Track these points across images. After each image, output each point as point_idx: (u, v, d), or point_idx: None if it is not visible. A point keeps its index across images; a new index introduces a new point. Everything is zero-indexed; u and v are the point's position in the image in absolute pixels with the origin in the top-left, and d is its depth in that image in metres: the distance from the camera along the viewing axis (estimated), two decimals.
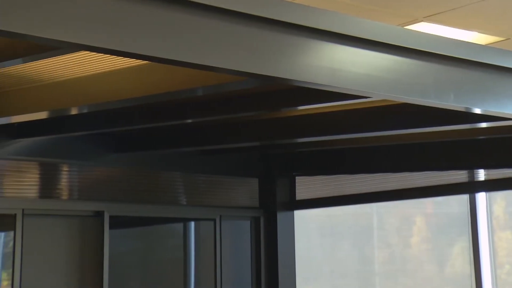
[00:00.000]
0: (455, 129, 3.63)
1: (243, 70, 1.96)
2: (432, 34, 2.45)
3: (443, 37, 2.47)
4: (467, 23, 4.41)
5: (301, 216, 5.66)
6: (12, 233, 4.31)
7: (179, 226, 5.23)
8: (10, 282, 4.26)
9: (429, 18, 4.25)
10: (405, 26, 4.26)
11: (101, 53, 2.43)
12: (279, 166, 5.41)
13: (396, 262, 7.25)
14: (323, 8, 2.12)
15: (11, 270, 4.26)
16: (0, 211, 4.31)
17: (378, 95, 2.46)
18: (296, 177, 5.55)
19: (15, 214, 4.30)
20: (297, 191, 5.55)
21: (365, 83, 2.21)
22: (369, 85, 2.23)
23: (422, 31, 3.82)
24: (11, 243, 4.32)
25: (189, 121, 3.91)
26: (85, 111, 3.36)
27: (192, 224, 5.24)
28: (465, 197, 6.43)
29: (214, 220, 5.21)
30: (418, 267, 7.14)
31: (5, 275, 4.33)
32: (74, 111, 3.36)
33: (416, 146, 4.63)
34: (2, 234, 4.44)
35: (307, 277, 6.72)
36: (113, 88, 3.05)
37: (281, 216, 5.43)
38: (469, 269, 6.45)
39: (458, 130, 3.79)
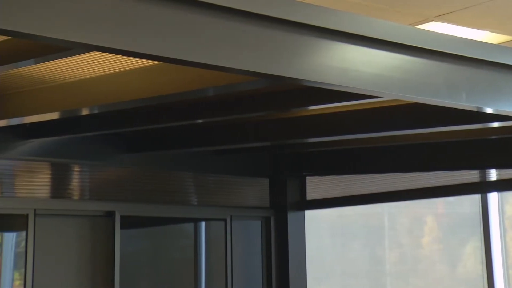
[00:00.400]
0: (466, 128, 3.61)
1: (253, 70, 1.96)
2: (443, 34, 2.44)
3: (455, 36, 2.45)
4: (479, 22, 4.39)
5: (311, 216, 5.65)
6: (24, 233, 4.33)
7: (190, 226, 5.24)
8: (22, 281, 4.29)
9: (440, 17, 4.23)
10: (416, 25, 4.24)
11: (112, 53, 2.44)
12: (290, 166, 5.41)
13: (407, 262, 7.22)
14: (334, 8, 2.11)
15: (23, 269, 4.28)
16: (12, 211, 4.34)
17: (389, 95, 2.46)
18: (307, 177, 5.55)
19: (27, 214, 4.32)
20: (307, 191, 5.54)
21: (376, 83, 2.20)
22: (380, 84, 2.22)
23: (433, 30, 3.80)
24: (23, 243, 4.34)
25: (200, 121, 3.91)
26: (96, 111, 3.37)
27: (203, 224, 5.25)
28: (477, 197, 6.40)
29: (225, 220, 5.21)
30: (429, 267, 7.11)
31: (17, 275, 4.36)
32: (85, 112, 3.37)
33: (428, 146, 4.61)
34: (14, 234, 4.46)
35: (318, 277, 6.71)
36: (124, 89, 3.06)
37: (291, 216, 5.42)
38: (481, 269, 6.42)
39: (470, 129, 3.78)
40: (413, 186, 5.22)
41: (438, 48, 2.31)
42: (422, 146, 4.62)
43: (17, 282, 4.35)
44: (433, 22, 4.32)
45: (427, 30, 2.52)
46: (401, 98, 2.72)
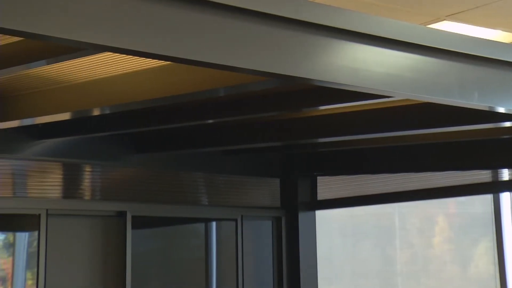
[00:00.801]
0: (478, 128, 3.60)
1: (264, 70, 1.96)
2: (455, 33, 2.43)
3: (467, 35, 2.44)
4: (491, 21, 4.36)
5: (322, 216, 5.65)
6: (36, 233, 4.35)
7: (201, 226, 5.25)
8: (34, 281, 4.31)
9: (452, 16, 4.21)
10: (427, 25, 4.23)
11: (124, 54, 2.44)
12: (301, 166, 5.40)
13: (418, 263, 7.20)
14: (345, 8, 2.11)
15: (35, 269, 4.30)
16: (25, 211, 4.36)
17: (401, 95, 2.45)
18: (318, 177, 5.54)
19: (39, 214, 4.34)
20: (318, 191, 5.54)
21: (387, 83, 2.20)
22: (391, 84, 2.21)
23: (445, 30, 3.78)
24: (35, 243, 4.36)
25: (211, 121, 3.92)
26: (107, 112, 3.38)
27: (214, 224, 5.25)
28: (488, 197, 6.37)
29: (236, 220, 5.22)
30: (441, 267, 7.09)
31: (29, 275, 4.38)
32: (96, 112, 3.39)
33: (439, 146, 4.59)
34: (27, 234, 4.49)
35: (329, 277, 6.70)
36: (135, 89, 3.07)
37: (302, 216, 5.42)
38: (494, 270, 6.39)
39: (482, 129, 3.76)
40: (424, 186, 5.20)
41: (450, 47, 2.30)
42: (433, 146, 4.60)
43: (29, 282, 4.37)
44: (444, 22, 4.30)
45: (438, 29, 2.51)
46: (413, 98, 2.71)
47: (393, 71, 2.20)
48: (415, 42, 2.22)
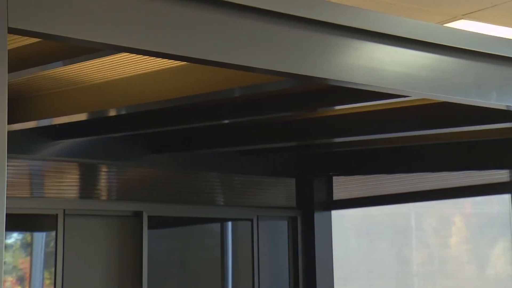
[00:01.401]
0: (496, 127, 3.57)
1: (281, 70, 1.96)
2: (472, 32, 2.41)
3: (484, 34, 2.42)
4: (508, 20, 4.33)
5: (336, 216, 5.63)
6: (53, 232, 4.38)
7: (217, 226, 5.26)
8: (52, 281, 4.34)
9: (469, 15, 4.19)
10: (444, 24, 4.21)
11: (140, 54, 2.46)
12: (316, 166, 5.39)
13: (435, 263, 7.16)
14: (362, 7, 2.10)
15: (53, 269, 4.33)
16: (42, 211, 4.39)
17: (418, 94, 2.44)
18: (333, 177, 5.53)
19: (57, 214, 4.37)
20: (334, 191, 5.52)
21: (404, 82, 2.19)
22: (408, 84, 2.20)
23: (462, 28, 3.76)
24: (53, 243, 4.39)
25: (226, 121, 3.92)
26: (123, 112, 3.39)
27: (230, 224, 5.26)
28: (506, 197, 6.32)
29: (252, 220, 5.22)
30: (457, 268, 7.04)
31: (47, 274, 4.41)
32: (113, 113, 3.40)
33: (455, 145, 4.56)
34: (44, 234, 4.52)
35: (345, 277, 6.68)
36: (151, 89, 3.08)
37: (318, 216, 5.41)
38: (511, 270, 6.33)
39: (499, 128, 3.73)
40: (441, 186, 5.16)
41: (467, 46, 2.28)
42: (450, 146, 4.58)
43: (47, 281, 4.40)
44: (461, 21, 4.27)
45: (455, 28, 2.49)
46: (430, 98, 2.70)
47: (410, 71, 2.19)
48: (432, 41, 2.20)
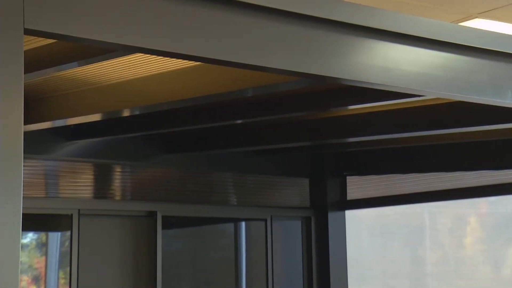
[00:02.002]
0: (511, 127, 3.55)
1: (295, 70, 1.96)
2: (487, 31, 2.40)
3: (499, 33, 2.41)
4: None
5: (350, 216, 5.62)
6: (68, 232, 4.41)
7: (230, 226, 5.26)
8: (67, 280, 4.36)
9: (483, 14, 4.16)
10: (459, 23, 4.18)
11: (155, 55, 2.46)
12: (330, 165, 5.38)
13: (449, 263, 7.13)
14: (376, 7, 2.09)
15: (68, 268, 4.36)
16: (57, 211, 4.42)
17: (432, 94, 2.42)
18: (347, 177, 5.51)
19: (72, 214, 4.40)
20: (348, 191, 5.51)
21: (419, 82, 2.18)
22: (423, 83, 2.19)
23: (477, 27, 3.73)
24: (67, 243, 4.42)
25: (240, 121, 3.92)
26: (137, 112, 3.41)
27: (243, 224, 5.26)
28: None
29: (265, 220, 5.22)
30: (472, 268, 7.00)
31: (62, 274, 4.44)
32: (127, 113, 3.42)
33: (471, 145, 4.54)
34: (59, 233, 4.54)
35: (358, 278, 6.67)
36: (165, 90, 3.09)
37: (332, 216, 5.40)
38: None
39: None
40: (456, 186, 5.14)
41: (482, 45, 2.27)
42: (465, 145, 4.55)
43: (62, 281, 4.43)
44: (476, 19, 4.24)
45: (470, 27, 2.47)
46: (445, 97, 2.68)
47: (425, 70, 2.18)
48: (447, 40, 2.19)
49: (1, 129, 1.38)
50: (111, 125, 4.01)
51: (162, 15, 1.70)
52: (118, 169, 4.73)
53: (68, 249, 4.38)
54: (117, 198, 4.74)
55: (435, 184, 5.21)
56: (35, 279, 4.47)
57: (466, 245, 7.09)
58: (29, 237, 4.46)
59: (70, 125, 4.09)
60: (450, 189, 5.16)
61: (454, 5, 3.96)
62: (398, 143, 4.44)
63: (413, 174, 5.20)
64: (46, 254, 4.47)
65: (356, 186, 5.53)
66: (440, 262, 7.11)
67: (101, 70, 3.05)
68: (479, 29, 2.43)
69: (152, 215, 4.72)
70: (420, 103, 3.49)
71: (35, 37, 2.28)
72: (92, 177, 4.66)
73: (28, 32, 1.47)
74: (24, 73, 1.44)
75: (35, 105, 3.55)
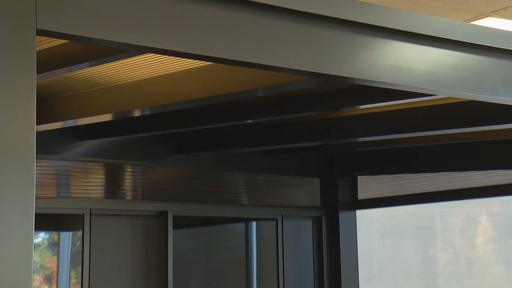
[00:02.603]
0: None
1: (306, 70, 1.95)
2: (499, 29, 2.38)
3: None
4: None
5: (361, 216, 5.61)
6: (79, 232, 4.43)
7: (241, 226, 5.26)
8: (78, 280, 4.38)
9: (496, 13, 4.13)
10: (471, 21, 4.16)
11: (167, 55, 2.47)
12: (341, 165, 5.37)
13: (460, 263, 7.10)
14: (387, 6, 2.09)
15: (79, 268, 4.37)
16: (69, 211, 4.44)
17: (444, 93, 2.41)
18: (358, 177, 5.50)
19: (83, 214, 4.41)
20: (359, 190, 5.50)
21: (431, 81, 2.17)
22: (435, 82, 2.18)
23: (489, 26, 3.71)
24: (79, 242, 4.43)
25: (250, 121, 3.92)
26: (148, 112, 3.42)
27: (254, 224, 5.26)
28: None
29: (276, 220, 5.22)
30: (484, 268, 6.97)
31: (73, 273, 4.46)
32: (138, 113, 3.42)
33: (482, 144, 4.51)
34: (71, 233, 4.56)
35: (369, 278, 6.65)
36: (175, 90, 3.09)
37: (343, 216, 5.39)
38: None
39: None
40: (467, 186, 5.12)
41: (494, 44, 2.26)
42: (476, 144, 4.53)
43: (73, 280, 4.44)
44: (489, 18, 4.22)
45: (482, 26, 2.46)
46: (457, 96, 2.67)
47: (436, 69, 2.17)
48: (459, 39, 2.18)
49: (14, 129, 1.39)
50: (122, 125, 4.02)
51: (174, 15, 1.70)
52: (129, 169, 4.74)
53: (80, 248, 4.39)
54: (128, 198, 4.75)
55: (446, 184, 5.19)
56: (47, 279, 4.49)
57: (477, 245, 7.05)
58: (41, 237, 4.48)
59: (81, 125, 4.10)
60: (461, 189, 5.14)
61: (466, 4, 3.95)
62: (409, 142, 4.43)
63: (424, 173, 5.19)
64: (57, 253, 4.49)
65: (367, 186, 5.51)
66: (452, 262, 7.08)
67: (112, 70, 3.06)
68: (491, 28, 2.41)
69: (163, 215, 4.72)
70: (432, 103, 3.47)
71: (46, 38, 2.29)
72: (103, 177, 4.68)
73: (40, 32, 1.47)
74: (36, 74, 1.45)
75: (45, 106, 3.57)
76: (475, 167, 4.84)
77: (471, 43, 2.21)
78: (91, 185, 4.58)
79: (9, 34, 1.40)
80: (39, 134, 1.44)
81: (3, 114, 1.38)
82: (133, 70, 3.04)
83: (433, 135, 4.10)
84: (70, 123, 3.65)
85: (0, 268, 1.32)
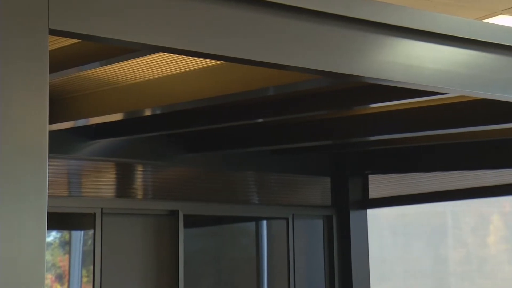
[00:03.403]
0: None
1: (317, 69, 1.95)
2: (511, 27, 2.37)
3: None
4: None
5: (372, 215, 5.60)
6: (91, 231, 4.44)
7: (252, 225, 5.27)
8: (89, 278, 4.40)
9: (508, 10, 4.11)
10: (483, 19, 4.14)
11: (178, 54, 2.47)
12: (352, 164, 5.36)
13: (472, 262, 7.07)
14: (399, 4, 2.08)
15: (91, 267, 4.39)
16: (80, 210, 4.45)
17: (456, 91, 2.40)
18: (369, 176, 5.49)
19: (95, 213, 4.43)
20: (370, 189, 5.49)
21: (443, 79, 2.16)
22: (446, 81, 2.17)
23: (501, 24, 3.69)
24: (90, 241, 4.45)
25: (261, 120, 3.92)
26: (158, 112, 3.42)
27: (265, 223, 5.26)
28: None
29: (287, 219, 5.22)
30: (496, 267, 6.93)
31: (85, 272, 4.47)
32: (148, 112, 3.43)
33: (493, 143, 4.49)
34: (82, 232, 4.58)
35: (380, 277, 6.63)
36: (186, 89, 3.10)
37: (353, 215, 5.38)
38: None
39: None
40: (478, 184, 5.09)
41: (506, 42, 2.24)
42: (488, 143, 4.51)
43: (85, 279, 4.46)
44: (501, 16, 4.19)
45: (494, 24, 2.45)
46: (468, 95, 2.66)
47: (448, 68, 2.16)
48: (471, 38, 2.17)
49: (26, 129, 1.39)
50: (133, 124, 4.04)
51: (185, 14, 1.70)
52: (140, 168, 4.76)
53: (91, 247, 4.41)
54: (139, 197, 4.76)
55: (457, 183, 5.17)
56: (59, 278, 4.51)
57: (489, 244, 7.02)
58: (53, 236, 4.50)
59: (92, 125, 4.12)
60: (473, 188, 5.12)
61: (478, 1, 3.92)
62: (420, 141, 4.41)
63: (436, 172, 5.17)
64: (69, 252, 4.51)
65: (378, 185, 5.50)
66: (463, 261, 7.05)
67: (122, 70, 3.07)
68: (503, 26, 2.40)
69: (174, 214, 4.74)
70: (443, 101, 3.46)
71: (57, 38, 2.30)
72: (114, 176, 4.69)
73: (52, 32, 1.48)
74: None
75: (57, 105, 3.58)
76: (487, 166, 4.82)
77: (483, 41, 2.20)
78: (102, 184, 4.60)
79: (22, 34, 1.41)
80: (51, 133, 1.44)
81: (16, 114, 1.38)
82: (143, 69, 3.05)
83: (444, 133, 4.08)
84: (81, 122, 3.66)
85: (13, 267, 1.33)
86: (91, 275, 4.38)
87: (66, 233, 4.57)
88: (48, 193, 1.40)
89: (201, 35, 1.72)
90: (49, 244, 4.46)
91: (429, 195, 5.32)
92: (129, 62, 2.89)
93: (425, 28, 2.08)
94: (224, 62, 2.72)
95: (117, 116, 3.47)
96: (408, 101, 3.27)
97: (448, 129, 3.73)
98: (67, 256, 4.51)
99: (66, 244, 4.55)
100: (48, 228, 1.39)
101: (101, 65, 2.73)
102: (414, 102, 3.48)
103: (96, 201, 4.48)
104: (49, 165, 1.42)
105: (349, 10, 1.93)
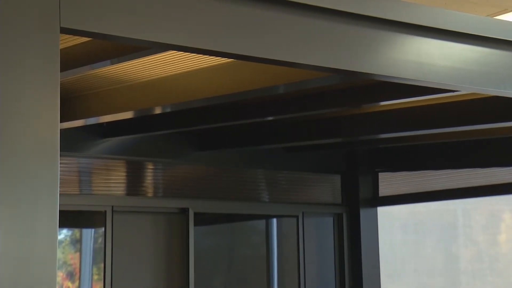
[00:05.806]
0: None
1: (328, 66, 1.95)
2: None
3: None
4: None
5: (383, 212, 5.59)
6: (102, 229, 4.46)
7: (262, 222, 5.27)
8: (100, 276, 4.41)
9: None
10: (494, 16, 4.11)
11: (189, 52, 2.48)
12: (362, 162, 5.36)
13: (483, 261, 7.04)
14: (409, 1, 2.07)
15: (101, 264, 4.41)
16: (91, 208, 4.47)
17: (467, 89, 2.39)
18: (379, 173, 5.48)
19: (105, 211, 4.45)
20: (380, 187, 5.48)
21: (453, 77, 2.15)
22: (458, 78, 2.16)
23: None
24: (101, 239, 4.47)
25: (271, 118, 3.92)
26: (169, 110, 3.43)
27: (275, 220, 5.26)
28: None
29: (297, 216, 5.21)
30: (507, 265, 6.90)
31: (95, 270, 4.49)
32: (159, 110, 3.44)
33: (505, 141, 4.47)
34: (93, 230, 4.60)
35: (391, 275, 6.62)
36: (196, 87, 3.10)
37: (364, 213, 5.37)
38: None
39: None
40: (490, 182, 5.07)
41: None
42: (499, 141, 4.49)
43: (95, 277, 4.48)
44: None
45: (506, 20, 2.43)
46: (479, 92, 2.65)
47: (459, 65, 2.15)
48: (482, 35, 2.16)
49: (38, 127, 1.40)
50: (144, 122, 4.05)
51: (196, 12, 1.71)
52: (151, 166, 4.77)
53: (102, 245, 4.43)
54: (150, 195, 4.78)
55: (468, 180, 5.15)
56: (70, 275, 4.53)
57: (500, 242, 6.99)
58: (64, 233, 4.52)
59: (102, 123, 4.13)
60: (484, 185, 5.09)
61: None
62: (430, 139, 4.40)
63: (446, 170, 5.15)
64: (80, 250, 4.53)
65: (388, 183, 5.49)
66: (474, 260, 7.02)
67: (133, 68, 3.08)
68: None
69: (184, 211, 4.74)
70: (454, 99, 3.44)
71: (68, 36, 2.31)
72: (125, 174, 4.71)
73: (64, 31, 1.49)
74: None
75: (68, 104, 3.60)
76: (498, 164, 4.79)
77: (495, 38, 2.18)
78: (113, 182, 4.61)
79: (33, 32, 1.42)
80: (62, 131, 1.45)
81: (28, 112, 1.39)
82: (154, 67, 3.05)
83: (455, 131, 4.07)
84: (92, 120, 3.68)
85: (25, 264, 1.34)
86: (102, 273, 4.40)
87: (77, 231, 4.59)
88: (59, 191, 1.41)
89: (212, 33, 1.72)
90: (60, 242, 4.48)
91: (440, 193, 5.30)
92: (140, 60, 2.90)
93: (437, 25, 2.07)
94: (234, 60, 2.72)
95: (128, 114, 3.48)
96: (419, 99, 3.26)
97: (458, 126, 3.71)
98: (78, 253, 4.53)
99: (77, 242, 4.57)
100: (59, 226, 1.40)
101: (112, 63, 2.74)
102: (425, 100, 3.47)
103: (106, 199, 4.50)
104: (60, 163, 1.42)
105: (360, 8, 1.92)
